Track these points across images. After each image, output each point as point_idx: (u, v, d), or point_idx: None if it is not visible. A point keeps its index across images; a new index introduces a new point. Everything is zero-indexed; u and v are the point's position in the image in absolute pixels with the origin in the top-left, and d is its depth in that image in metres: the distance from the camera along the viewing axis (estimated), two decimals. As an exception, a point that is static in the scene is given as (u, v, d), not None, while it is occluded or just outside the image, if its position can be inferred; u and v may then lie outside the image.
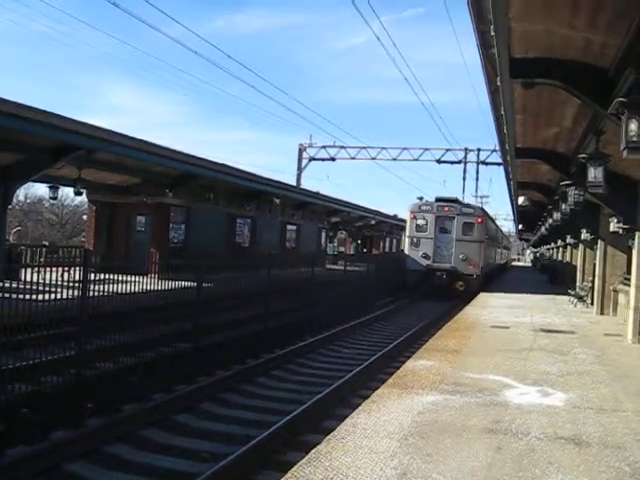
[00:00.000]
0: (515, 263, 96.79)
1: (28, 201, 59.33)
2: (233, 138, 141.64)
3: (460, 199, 32.90)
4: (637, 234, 12.46)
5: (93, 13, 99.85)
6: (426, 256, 30.03)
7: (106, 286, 11.93)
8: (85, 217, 31.38)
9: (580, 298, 20.87)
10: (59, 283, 13.70)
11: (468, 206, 31.82)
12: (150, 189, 21.85)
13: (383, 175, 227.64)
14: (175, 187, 21.86)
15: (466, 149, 38.96)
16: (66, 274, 15.72)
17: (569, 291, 22.12)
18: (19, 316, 9.42)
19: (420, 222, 30.52)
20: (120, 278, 12.82)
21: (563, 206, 14.96)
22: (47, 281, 13.35)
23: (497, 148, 26.77)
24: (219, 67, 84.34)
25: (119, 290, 12.35)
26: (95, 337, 10.91)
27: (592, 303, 19.48)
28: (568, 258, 31.48)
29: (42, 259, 14.23)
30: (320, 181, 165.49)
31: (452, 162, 38.88)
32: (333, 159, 41.07)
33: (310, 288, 20.48)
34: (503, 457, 5.21)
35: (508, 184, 22.60)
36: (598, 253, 18.33)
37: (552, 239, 38.21)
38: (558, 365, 9.49)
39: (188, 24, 38.06)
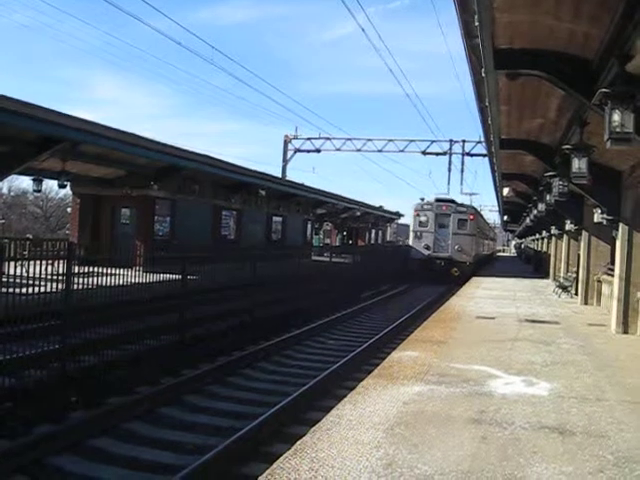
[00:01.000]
0: (500, 254, 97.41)
1: (12, 194, 58.90)
2: (218, 130, 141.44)
3: (456, 200, 38.83)
4: (620, 225, 12.55)
5: (76, 5, 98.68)
6: (427, 247, 36.12)
7: (91, 279, 11.83)
8: (69, 210, 31.08)
9: (564, 288, 21.04)
10: (43, 276, 13.54)
11: (462, 205, 38.09)
12: (135, 181, 21.60)
13: (369, 167, 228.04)
14: (160, 179, 21.67)
15: (451, 140, 38.90)
16: (50, 267, 15.54)
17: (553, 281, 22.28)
18: (2, 309, 9.33)
19: (422, 219, 36.67)
20: (105, 271, 12.72)
21: (547, 197, 15.02)
22: (31, 274, 13.20)
23: (482, 139, 26.88)
24: (203, 59, 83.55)
25: (104, 283, 12.25)
26: (80, 330, 10.83)
27: (576, 293, 19.65)
28: (553, 249, 31.75)
29: (26, 252, 14.07)
30: (306, 172, 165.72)
31: (437, 154, 38.79)
32: (318, 151, 40.85)
33: (295, 280, 20.44)
34: (488, 447, 5.24)
35: (493, 175, 22.69)
36: (582, 244, 18.46)
37: (537, 230, 38.62)
38: (542, 355, 9.55)
39: (172, 15, 37.82)
